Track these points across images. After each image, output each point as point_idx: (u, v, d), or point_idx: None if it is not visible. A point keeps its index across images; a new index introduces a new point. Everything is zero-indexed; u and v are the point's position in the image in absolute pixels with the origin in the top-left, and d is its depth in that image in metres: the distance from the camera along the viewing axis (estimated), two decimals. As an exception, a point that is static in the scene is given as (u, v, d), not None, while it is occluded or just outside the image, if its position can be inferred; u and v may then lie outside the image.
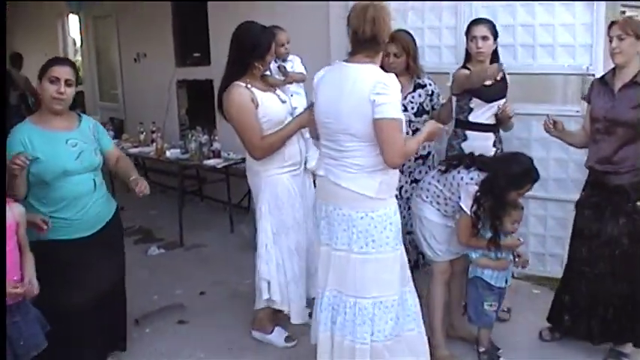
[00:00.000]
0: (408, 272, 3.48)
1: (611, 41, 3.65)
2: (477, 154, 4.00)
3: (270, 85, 4.10)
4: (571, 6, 4.64)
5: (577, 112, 4.57)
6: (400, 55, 4.43)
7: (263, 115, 3.89)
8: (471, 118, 4.36)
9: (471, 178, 3.71)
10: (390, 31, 3.32)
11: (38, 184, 3.44)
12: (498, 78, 4.28)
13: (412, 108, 4.48)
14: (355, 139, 3.20)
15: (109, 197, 3.83)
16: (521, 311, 4.43)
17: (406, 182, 4.58)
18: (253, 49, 3.88)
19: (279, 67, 4.24)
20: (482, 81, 4.12)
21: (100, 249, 3.66)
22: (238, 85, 3.86)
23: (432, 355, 3.97)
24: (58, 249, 3.48)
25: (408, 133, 4.31)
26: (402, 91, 4.34)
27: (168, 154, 6.90)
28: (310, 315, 3.98)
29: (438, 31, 5.25)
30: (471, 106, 4.34)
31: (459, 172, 3.78)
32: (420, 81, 4.58)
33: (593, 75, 4.39)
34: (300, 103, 4.33)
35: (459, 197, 3.75)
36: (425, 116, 4.54)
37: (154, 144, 7.16)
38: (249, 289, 4.69)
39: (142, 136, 7.55)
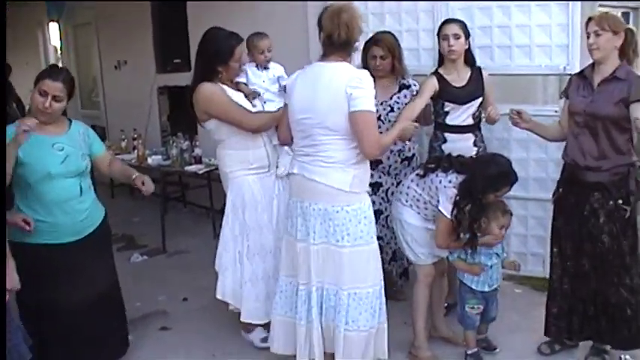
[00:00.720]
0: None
1: (588, 37, 3.66)
2: (457, 155, 4.03)
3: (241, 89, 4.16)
4: (547, 7, 4.66)
5: (556, 111, 4.57)
6: (386, 57, 4.47)
7: None
8: (448, 120, 4.39)
9: (450, 181, 3.71)
10: (361, 32, 3.42)
11: (23, 187, 3.47)
12: (465, 82, 4.33)
13: (398, 108, 4.50)
14: (330, 132, 3.31)
15: (97, 203, 3.84)
16: (504, 311, 4.44)
17: (392, 184, 4.61)
18: (216, 55, 3.98)
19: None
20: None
21: (87, 254, 3.66)
22: (207, 83, 3.99)
23: (415, 356, 4.05)
24: (44, 253, 3.48)
25: None
26: (387, 92, 4.41)
27: (150, 160, 6.89)
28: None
29: (415, 33, 5.27)
30: (446, 109, 4.38)
31: (437, 176, 3.78)
32: (405, 82, 4.62)
33: (570, 75, 4.42)
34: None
35: (438, 201, 3.75)
36: None
37: (136, 151, 7.16)
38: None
39: (123, 143, 7.55)
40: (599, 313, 3.81)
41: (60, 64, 11.51)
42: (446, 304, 4.51)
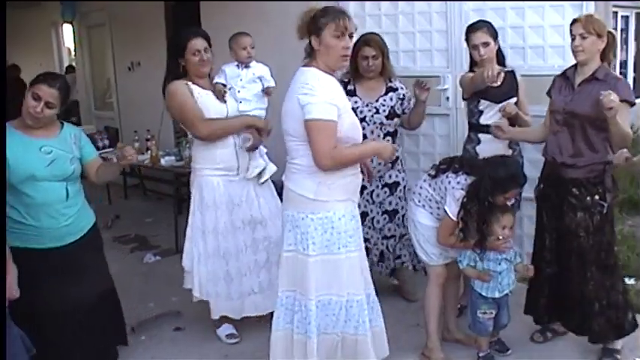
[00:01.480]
0: (360, 278, 3.43)
1: (573, 39, 3.73)
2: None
3: (218, 93, 4.18)
4: (560, 7, 4.67)
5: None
6: (378, 56, 4.50)
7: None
8: (482, 120, 4.36)
9: (458, 182, 3.71)
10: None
11: (8, 188, 3.38)
12: (500, 82, 4.25)
13: (384, 111, 4.51)
14: (293, 139, 3.28)
15: (85, 210, 3.75)
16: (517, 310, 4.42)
17: (377, 186, 4.62)
18: (174, 49, 4.19)
19: (214, 83, 4.21)
20: (485, 81, 4.05)
21: (75, 260, 3.60)
22: (177, 81, 4.11)
23: (427, 357, 4.04)
24: (29, 258, 3.37)
25: (379, 136, 4.35)
26: (373, 93, 4.43)
27: (163, 161, 6.91)
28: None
29: (429, 34, 5.29)
30: (480, 108, 4.35)
31: (447, 177, 3.78)
32: (392, 84, 4.63)
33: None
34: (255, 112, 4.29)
35: (449, 203, 3.76)
36: (396, 119, 4.59)
37: (149, 152, 7.18)
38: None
39: (136, 145, 7.56)
40: (575, 305, 3.88)
41: (74, 65, 11.60)
42: (459, 305, 4.51)
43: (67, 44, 13.35)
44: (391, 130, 4.57)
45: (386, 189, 4.66)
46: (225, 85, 4.18)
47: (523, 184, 3.76)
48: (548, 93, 4.01)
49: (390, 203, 4.69)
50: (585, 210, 3.77)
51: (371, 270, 3.89)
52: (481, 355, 4.02)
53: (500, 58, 4.40)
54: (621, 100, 3.56)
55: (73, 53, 12.35)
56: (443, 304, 4.10)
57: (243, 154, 4.17)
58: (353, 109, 3.71)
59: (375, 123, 4.43)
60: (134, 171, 8.35)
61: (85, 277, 3.65)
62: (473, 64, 4.43)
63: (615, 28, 9.68)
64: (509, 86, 4.33)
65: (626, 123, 3.59)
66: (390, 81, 4.62)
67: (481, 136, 4.39)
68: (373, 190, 4.61)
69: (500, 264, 3.82)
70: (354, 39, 3.44)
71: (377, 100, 4.53)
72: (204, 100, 4.11)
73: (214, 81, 4.20)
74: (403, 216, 4.70)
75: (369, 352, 3.44)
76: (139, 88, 8.83)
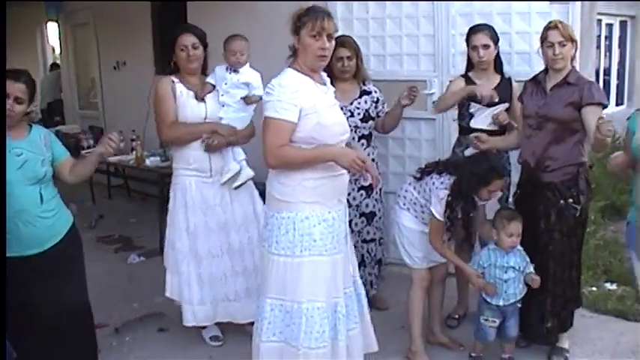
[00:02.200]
0: (326, 285, 3.30)
1: (550, 47, 3.77)
2: None
3: (203, 88, 4.21)
4: (547, 14, 4.69)
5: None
6: (352, 57, 4.52)
7: (176, 107, 4.14)
8: (472, 124, 4.39)
9: (442, 182, 3.76)
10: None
11: None
12: (493, 86, 4.29)
13: (358, 114, 4.53)
14: None
15: (62, 212, 3.58)
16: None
17: (353, 189, 4.59)
18: (168, 45, 4.26)
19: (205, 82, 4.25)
20: (478, 97, 4.20)
21: (52, 269, 3.47)
22: (165, 77, 4.20)
23: (411, 360, 4.04)
24: (9, 267, 3.26)
25: (353, 139, 4.35)
26: (348, 96, 4.45)
27: (148, 162, 6.90)
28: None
29: (416, 39, 5.31)
30: (471, 111, 4.38)
31: (431, 178, 3.82)
32: (366, 88, 4.65)
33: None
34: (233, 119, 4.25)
35: (434, 204, 3.78)
36: (371, 122, 4.61)
37: (134, 152, 7.16)
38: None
39: (121, 144, 7.49)
40: (551, 308, 3.92)
41: (58, 63, 11.54)
42: (457, 316, 4.59)
43: (51, 43, 13.28)
44: (366, 132, 4.59)
45: (362, 191, 4.65)
46: (214, 87, 4.20)
47: (503, 175, 3.80)
48: (520, 98, 4.06)
49: (367, 206, 4.68)
50: (558, 213, 3.82)
51: None
52: (473, 355, 4.05)
53: (498, 63, 4.43)
54: (595, 103, 3.66)
55: (56, 51, 12.30)
56: (427, 307, 4.13)
57: (217, 156, 4.17)
58: None
59: (349, 126, 4.43)
60: (118, 171, 8.33)
61: (62, 286, 3.54)
62: (470, 66, 4.46)
63: (599, 36, 9.76)
64: (503, 91, 4.33)
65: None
66: (364, 84, 4.65)
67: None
68: (349, 193, 4.55)
69: (506, 272, 3.81)
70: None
71: (351, 104, 4.54)
72: (185, 101, 4.12)
73: (206, 80, 4.22)
74: (380, 218, 4.74)
75: None
76: (124, 88, 8.81)
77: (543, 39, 3.81)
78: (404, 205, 3.98)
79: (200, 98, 4.14)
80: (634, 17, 10.54)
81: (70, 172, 3.59)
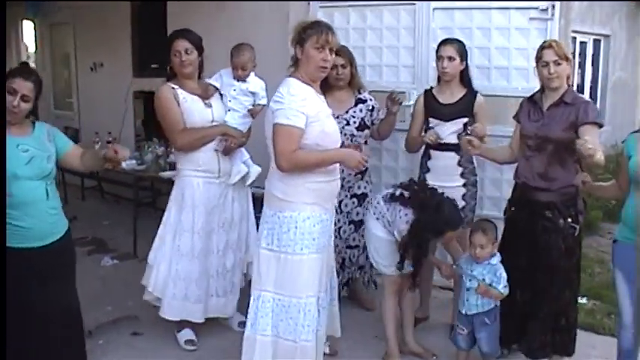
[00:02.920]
0: (318, 282, 3.58)
1: (545, 66, 3.78)
2: (442, 173, 4.34)
3: (205, 91, 4.29)
4: (526, 31, 4.79)
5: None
6: (346, 65, 4.59)
7: (182, 113, 4.19)
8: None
9: (406, 215, 3.84)
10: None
11: None
12: (455, 100, 4.40)
13: (354, 122, 4.59)
14: (270, 143, 3.50)
15: (62, 212, 3.67)
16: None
17: (345, 196, 4.69)
18: (165, 51, 4.26)
19: (207, 83, 4.35)
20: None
21: (51, 263, 3.54)
22: (166, 85, 4.22)
23: (385, 364, 4.12)
24: (10, 259, 3.35)
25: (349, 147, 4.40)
26: (343, 105, 4.54)
27: (124, 165, 6.83)
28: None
29: (396, 50, 5.37)
30: (430, 125, 4.45)
31: (399, 210, 3.89)
32: (362, 96, 4.72)
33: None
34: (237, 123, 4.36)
35: (395, 230, 3.89)
36: (366, 131, 4.68)
37: (110, 154, 7.10)
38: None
39: (97, 146, 7.47)
40: (548, 327, 3.92)
41: (31, 63, 11.42)
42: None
43: (25, 41, 13.15)
44: (361, 141, 4.65)
45: (354, 199, 4.74)
46: (217, 89, 4.30)
47: (457, 227, 3.88)
48: (516, 117, 4.07)
49: (358, 214, 4.76)
50: (558, 232, 3.82)
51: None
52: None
53: (466, 78, 4.47)
54: (590, 123, 3.68)
55: (29, 50, 12.19)
56: (400, 317, 4.20)
57: (224, 158, 4.27)
58: None
59: (345, 135, 4.47)
60: (92, 173, 8.26)
61: (59, 279, 3.62)
62: (438, 79, 4.52)
63: (573, 53, 9.90)
64: (464, 106, 4.40)
65: (597, 145, 3.58)
66: (359, 92, 4.71)
67: (432, 152, 4.49)
68: (342, 200, 4.66)
69: (470, 280, 3.86)
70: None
71: (347, 112, 4.61)
72: (190, 105, 4.19)
73: (209, 81, 4.30)
74: None
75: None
76: (101, 90, 8.76)
77: (538, 58, 3.83)
78: (374, 213, 4.05)
79: (207, 103, 4.23)
80: (608, 36, 10.71)
81: (81, 160, 3.69)
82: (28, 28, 11.92)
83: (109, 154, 3.47)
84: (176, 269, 4.27)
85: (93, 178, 8.49)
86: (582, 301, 5.06)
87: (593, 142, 3.45)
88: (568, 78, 3.86)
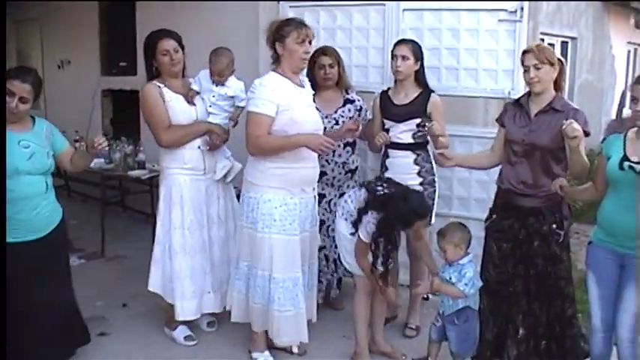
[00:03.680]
0: (285, 261, 3.92)
1: (526, 70, 3.75)
2: (399, 171, 4.35)
3: (188, 91, 4.31)
4: (495, 32, 4.82)
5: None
6: (334, 65, 4.64)
7: (167, 111, 4.21)
8: (390, 138, 4.49)
9: (373, 217, 3.84)
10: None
11: None
12: (408, 101, 4.45)
13: (343, 122, 4.58)
14: None
15: (57, 201, 3.82)
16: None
17: (335, 195, 4.71)
18: (146, 50, 4.30)
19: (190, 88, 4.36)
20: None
21: (47, 253, 3.68)
22: (150, 83, 4.25)
23: (355, 363, 4.16)
24: (11, 252, 3.50)
25: (339, 146, 4.50)
26: (332, 105, 4.55)
27: (92, 164, 6.77)
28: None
29: (365, 50, 5.38)
30: (386, 127, 4.52)
31: (366, 213, 3.87)
32: (349, 96, 4.75)
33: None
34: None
35: (364, 232, 3.89)
36: None
37: (77, 153, 7.02)
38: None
39: (79, 145, 7.38)
40: (532, 335, 3.89)
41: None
42: (414, 326, 4.69)
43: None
44: (350, 140, 4.66)
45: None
46: (198, 93, 4.31)
47: (425, 216, 3.89)
48: (499, 120, 4.03)
49: None
50: (543, 238, 3.79)
51: (326, 278, 4.59)
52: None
53: (420, 78, 4.51)
54: None
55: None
56: (370, 317, 4.20)
57: (209, 155, 4.30)
58: None
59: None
60: (60, 171, 8.16)
61: (56, 269, 3.81)
62: (395, 80, 4.57)
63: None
64: (417, 107, 4.44)
65: (583, 153, 3.60)
66: (347, 92, 4.75)
67: (389, 151, 4.56)
68: (331, 200, 4.71)
69: (441, 279, 3.91)
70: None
71: (336, 112, 4.65)
72: (175, 104, 4.21)
73: (191, 85, 4.32)
74: None
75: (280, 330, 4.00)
76: (68, 88, 8.69)
77: (522, 63, 3.79)
78: (342, 214, 4.06)
79: (191, 102, 4.26)
80: (575, 39, 10.83)
81: (70, 162, 3.85)
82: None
83: (92, 150, 3.68)
84: (178, 268, 4.27)
85: (60, 176, 8.38)
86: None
87: (581, 150, 3.50)
88: (557, 83, 3.80)
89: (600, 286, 3.59)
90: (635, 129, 3.43)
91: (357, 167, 4.79)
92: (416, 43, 4.51)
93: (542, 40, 9.53)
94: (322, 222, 4.67)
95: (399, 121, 4.45)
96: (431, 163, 4.54)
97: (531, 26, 4.85)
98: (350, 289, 4.70)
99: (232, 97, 4.33)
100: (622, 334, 3.49)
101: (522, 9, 4.72)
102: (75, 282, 5.42)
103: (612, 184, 3.45)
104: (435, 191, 4.56)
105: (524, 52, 3.79)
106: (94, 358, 4.25)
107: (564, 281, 3.87)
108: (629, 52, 13.97)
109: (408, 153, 4.48)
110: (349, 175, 4.73)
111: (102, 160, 6.73)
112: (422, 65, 4.49)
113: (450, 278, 3.84)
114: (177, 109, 4.22)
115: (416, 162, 4.49)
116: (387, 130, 4.50)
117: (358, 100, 4.79)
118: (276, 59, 3.93)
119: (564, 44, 10.77)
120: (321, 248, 4.54)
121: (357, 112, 4.74)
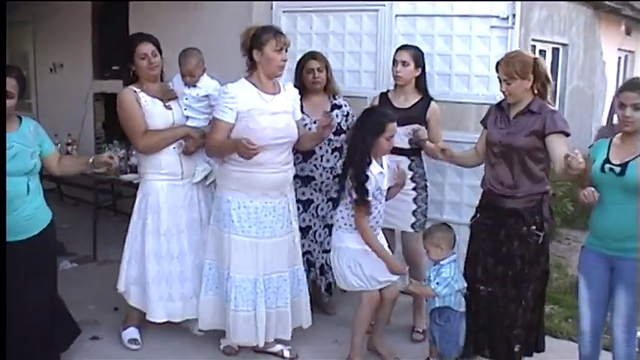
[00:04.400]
0: (247, 263, 4.03)
1: (500, 82, 3.82)
2: (393, 176, 4.21)
3: (166, 94, 4.31)
4: (487, 39, 4.84)
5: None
6: (322, 69, 4.67)
7: (143, 115, 4.20)
8: None
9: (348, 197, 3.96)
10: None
11: None
12: (408, 106, 4.48)
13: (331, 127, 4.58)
14: None
15: (45, 207, 3.77)
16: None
17: (322, 200, 4.73)
18: (126, 55, 4.27)
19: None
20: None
21: (31, 256, 3.62)
22: (127, 88, 4.24)
23: (347, 367, 4.17)
24: None
25: (327, 152, 4.56)
26: (320, 110, 4.51)
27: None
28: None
29: (358, 55, 5.39)
30: None
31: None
32: (337, 102, 4.77)
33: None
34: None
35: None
36: (343, 135, 4.70)
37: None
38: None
39: (72, 150, 7.37)
40: (508, 334, 3.93)
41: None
42: (421, 330, 4.68)
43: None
44: (338, 145, 4.70)
45: (330, 203, 4.77)
46: (176, 97, 4.31)
47: (393, 119, 3.94)
48: (484, 122, 4.10)
49: (332, 217, 4.72)
50: (522, 239, 3.82)
51: (314, 283, 4.59)
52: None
53: (421, 85, 4.55)
54: (558, 132, 3.70)
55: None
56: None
57: (187, 159, 4.27)
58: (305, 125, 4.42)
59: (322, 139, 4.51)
60: (51, 175, 8.14)
61: (41, 272, 3.74)
62: (395, 85, 4.59)
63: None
64: (417, 112, 4.48)
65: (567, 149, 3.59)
66: (334, 98, 4.77)
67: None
68: (318, 205, 4.73)
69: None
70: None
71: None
72: (151, 108, 4.19)
73: (169, 88, 4.31)
74: None
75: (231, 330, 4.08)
76: (60, 91, 8.64)
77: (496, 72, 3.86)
78: (340, 227, 4.07)
79: (167, 105, 4.24)
80: (566, 45, 10.89)
81: (58, 165, 3.83)
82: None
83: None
84: (153, 272, 4.26)
85: (51, 180, 8.35)
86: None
87: (562, 151, 3.52)
88: (539, 91, 3.83)
89: (590, 289, 3.64)
90: (621, 134, 3.53)
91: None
92: (418, 49, 4.54)
93: (534, 46, 9.59)
94: (309, 227, 4.70)
95: (397, 125, 4.43)
96: (423, 168, 4.58)
97: (523, 33, 4.86)
98: (341, 295, 4.72)
99: (207, 96, 4.26)
100: (617, 335, 3.57)
101: (514, 15, 4.73)
102: (67, 286, 5.43)
103: (596, 186, 3.49)
104: (427, 196, 4.59)
105: (496, 64, 3.85)
106: (85, 361, 4.24)
107: (540, 282, 3.94)
108: (619, 58, 14.05)
109: (404, 158, 4.48)
110: (336, 179, 4.70)
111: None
112: (423, 71, 4.52)
113: (429, 277, 3.93)
114: (154, 112, 4.20)
115: (410, 167, 4.51)
116: None
117: (345, 106, 4.80)
118: (252, 66, 4.01)
119: (555, 51, 10.83)
120: (304, 253, 4.55)
121: (345, 118, 4.75)
